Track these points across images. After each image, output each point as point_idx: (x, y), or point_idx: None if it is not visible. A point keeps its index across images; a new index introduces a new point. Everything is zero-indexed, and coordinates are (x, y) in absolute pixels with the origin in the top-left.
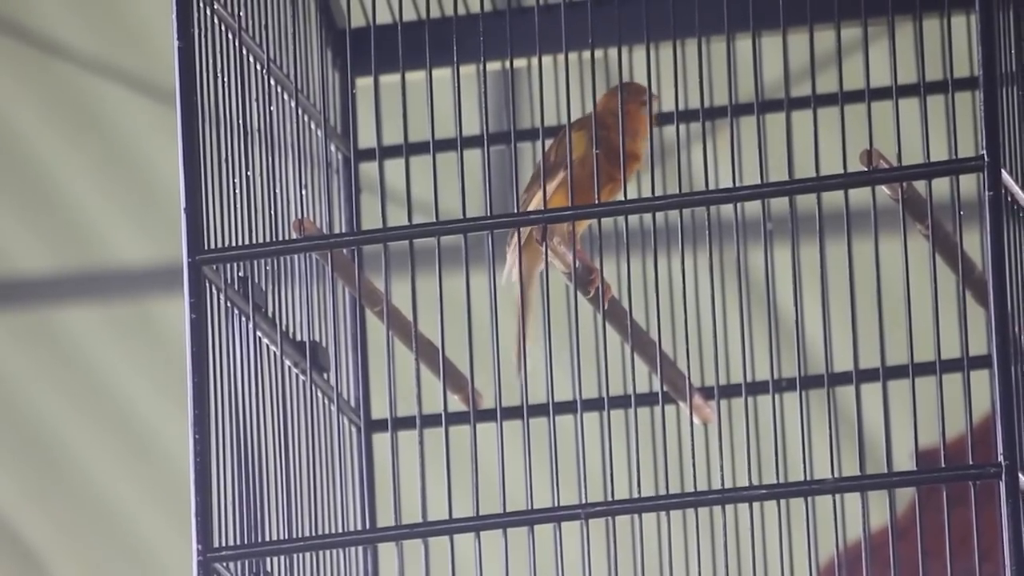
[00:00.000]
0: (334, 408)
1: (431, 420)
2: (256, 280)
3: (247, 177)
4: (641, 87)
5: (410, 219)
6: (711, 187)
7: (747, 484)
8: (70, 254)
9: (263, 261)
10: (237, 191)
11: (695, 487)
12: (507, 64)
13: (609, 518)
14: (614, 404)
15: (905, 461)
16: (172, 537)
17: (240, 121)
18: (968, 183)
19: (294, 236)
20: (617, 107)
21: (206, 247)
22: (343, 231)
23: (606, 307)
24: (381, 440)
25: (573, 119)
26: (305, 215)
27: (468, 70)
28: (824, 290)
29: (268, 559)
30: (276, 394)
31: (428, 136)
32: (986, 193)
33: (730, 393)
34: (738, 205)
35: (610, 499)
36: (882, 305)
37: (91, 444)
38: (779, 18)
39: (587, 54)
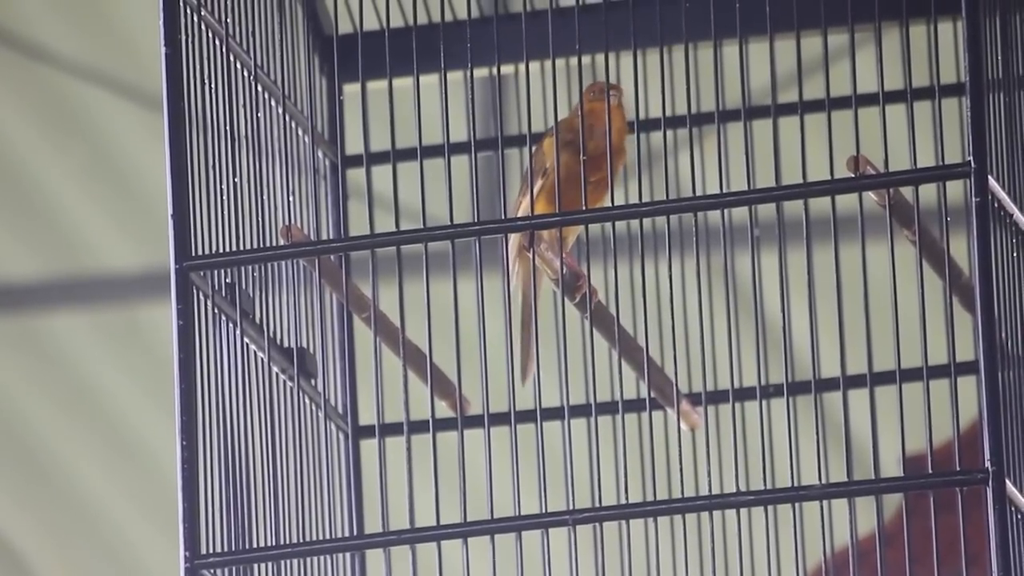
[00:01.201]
0: (321, 414)
1: (418, 426)
2: (244, 286)
3: (234, 183)
4: (600, 84)
5: (397, 225)
6: (698, 193)
7: (734, 490)
8: (57, 260)
9: (250, 267)
10: (224, 197)
11: (682, 493)
12: (494, 70)
13: (596, 524)
14: (601, 410)
15: (893, 467)
16: (160, 543)
17: (227, 127)
18: (955, 189)
19: (281, 242)
20: (581, 109)
21: (193, 253)
22: (330, 237)
23: (592, 308)
24: (369, 446)
25: (546, 129)
26: (292, 221)
27: (455, 76)
28: (811, 296)
29: (255, 566)
30: (264, 400)
31: (415, 142)
32: (973, 199)
33: (717, 399)
34: (725, 211)
35: (598, 505)
36: (869, 311)
37: (79, 451)
38: (766, 24)
39: (574, 60)
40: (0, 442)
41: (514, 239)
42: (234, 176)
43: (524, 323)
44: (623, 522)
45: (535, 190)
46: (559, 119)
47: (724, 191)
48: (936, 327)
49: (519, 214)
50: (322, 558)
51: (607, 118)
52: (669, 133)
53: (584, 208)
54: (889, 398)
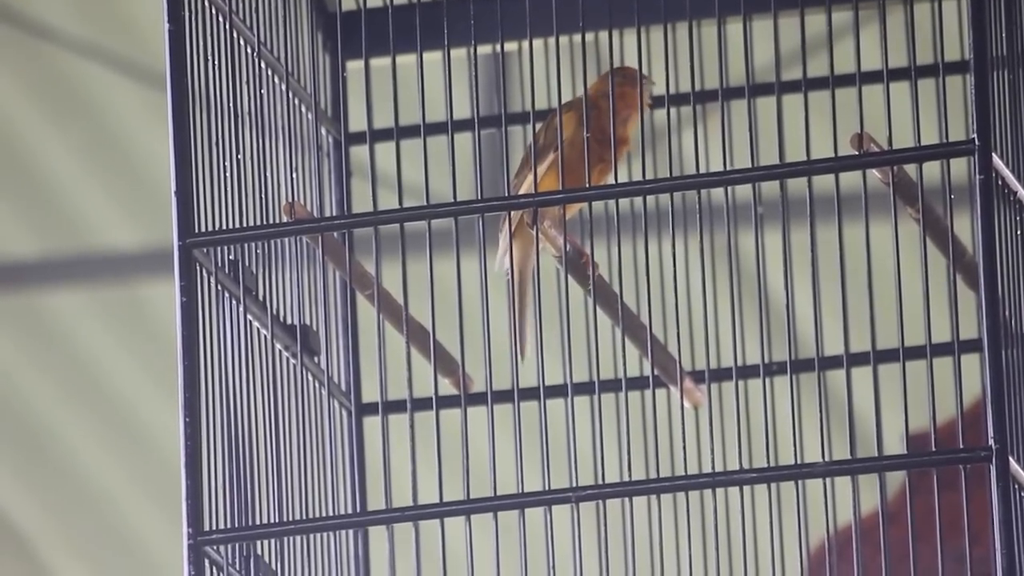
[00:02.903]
0: (325, 392)
1: (422, 404)
2: (247, 263)
3: (237, 160)
4: (634, 70)
5: (400, 202)
6: (702, 171)
7: (737, 468)
8: (58, 238)
9: (254, 244)
10: (227, 174)
11: (685, 471)
12: (498, 47)
13: (599, 502)
14: (605, 388)
15: (896, 445)
16: (162, 520)
17: (230, 104)
18: (959, 167)
19: (285, 219)
20: (609, 90)
21: (196, 230)
22: (334, 214)
23: (595, 284)
24: (372, 424)
25: (564, 102)
26: (296, 198)
27: (459, 53)
28: (815, 274)
29: (258, 542)
30: (267, 378)
31: (419, 119)
32: (977, 177)
33: (720, 377)
34: (729, 189)
35: (600, 483)
36: (873, 289)
37: (80, 428)
38: (769, 1)
39: (578, 38)
40: (1, 419)
41: (516, 216)
42: (237, 153)
43: (520, 299)
44: (626, 499)
45: (544, 165)
46: (579, 96)
47: (727, 168)
48: (939, 305)
49: (523, 191)
50: (325, 535)
51: (611, 105)
52: (672, 110)
53: (588, 185)
54: (892, 376)
